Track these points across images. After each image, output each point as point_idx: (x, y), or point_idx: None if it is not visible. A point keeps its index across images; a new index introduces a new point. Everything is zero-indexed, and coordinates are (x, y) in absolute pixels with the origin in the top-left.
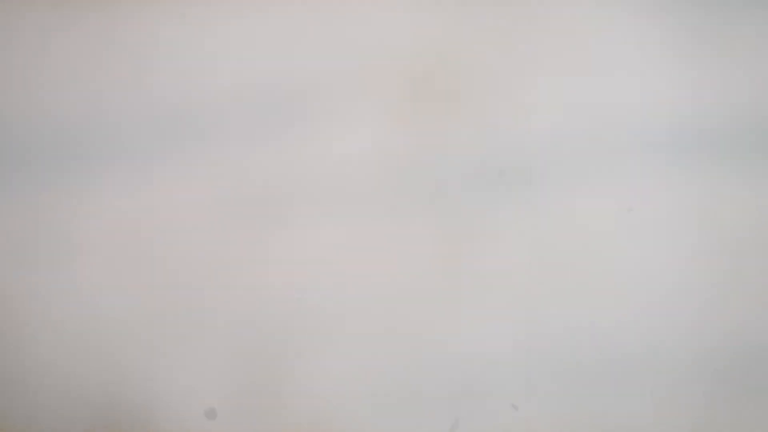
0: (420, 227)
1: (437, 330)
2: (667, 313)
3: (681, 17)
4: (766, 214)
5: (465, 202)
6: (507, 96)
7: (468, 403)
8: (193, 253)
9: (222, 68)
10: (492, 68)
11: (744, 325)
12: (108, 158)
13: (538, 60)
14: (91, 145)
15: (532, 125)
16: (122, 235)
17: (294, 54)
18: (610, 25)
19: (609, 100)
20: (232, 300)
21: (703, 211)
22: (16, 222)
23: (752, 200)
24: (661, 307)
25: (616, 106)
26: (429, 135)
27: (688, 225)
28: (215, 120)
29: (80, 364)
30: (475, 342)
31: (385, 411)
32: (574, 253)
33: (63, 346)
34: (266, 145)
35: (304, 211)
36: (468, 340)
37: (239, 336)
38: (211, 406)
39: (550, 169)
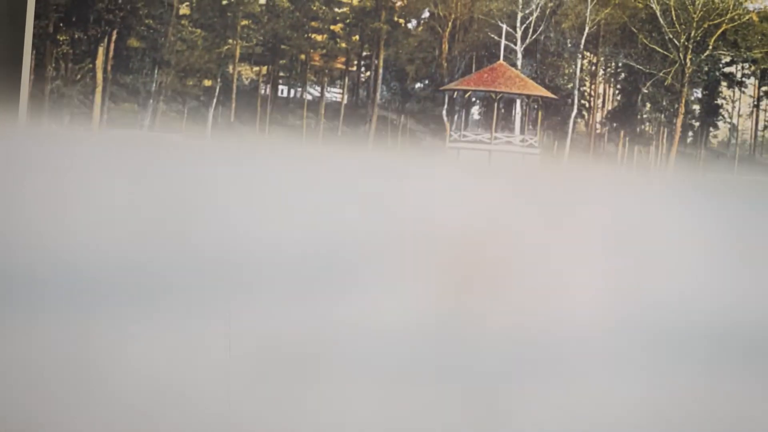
0: (446, 397)
1: None
2: None
3: (721, 222)
4: None
5: (495, 380)
6: (547, 277)
7: None
8: (222, 407)
9: (270, 225)
10: (535, 247)
11: None
12: (146, 302)
13: (577, 242)
14: (126, 290)
15: (567, 308)
16: (152, 381)
17: (345, 215)
18: (655, 220)
19: (645, 288)
20: None
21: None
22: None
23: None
24: None
25: (651, 294)
26: (469, 312)
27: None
28: (258, 276)
29: None
30: None
31: None
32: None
33: None
34: (306, 304)
35: (338, 372)
36: None
37: None
38: None
39: (582, 351)
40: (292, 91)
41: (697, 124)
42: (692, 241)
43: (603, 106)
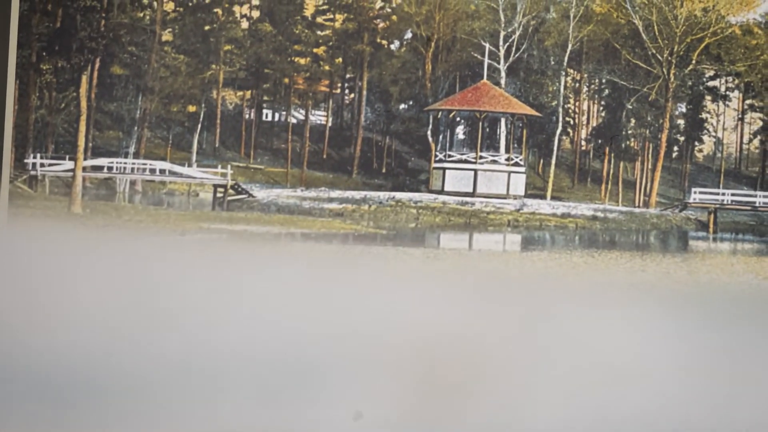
0: None
1: None
2: None
3: (695, 338)
4: None
5: None
6: (514, 391)
7: None
8: None
9: (240, 328)
10: (502, 362)
11: None
12: (117, 401)
13: (548, 359)
14: (98, 388)
15: (534, 424)
16: None
17: (318, 320)
18: (621, 335)
19: (612, 408)
20: None
21: None
22: None
23: None
24: None
25: (619, 413)
26: (438, 420)
27: None
28: (228, 378)
29: None
30: None
31: None
32: None
33: None
34: (276, 406)
35: None
36: None
37: None
38: None
39: None
40: (277, 115)
41: (682, 138)
42: (665, 361)
43: (588, 122)
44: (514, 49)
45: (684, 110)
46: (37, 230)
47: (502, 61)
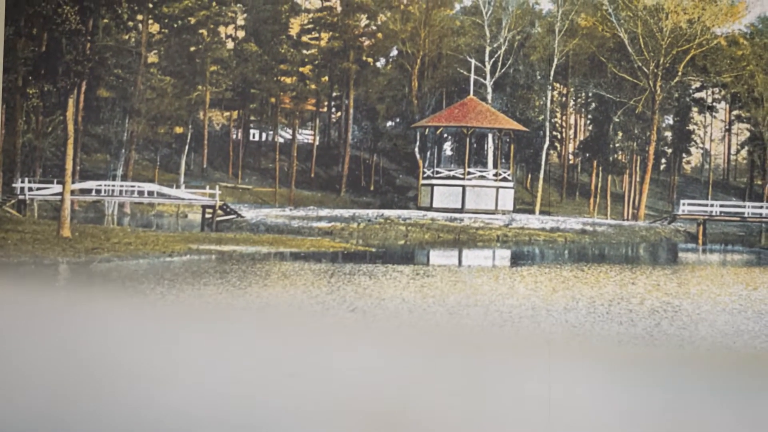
0: None
1: None
2: None
3: (647, 400)
4: None
5: None
6: None
7: None
8: None
9: (182, 391)
10: (452, 424)
11: None
12: None
13: (497, 420)
14: None
15: None
16: None
17: (267, 380)
18: (571, 398)
19: None
20: None
21: None
22: None
23: None
24: None
25: None
26: None
27: None
28: None
29: None
30: None
31: None
32: None
33: None
34: None
35: None
36: None
37: None
38: None
39: None
40: (264, 135)
41: (669, 150)
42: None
43: (575, 136)
44: (500, 64)
45: (671, 122)
46: None
47: (488, 76)
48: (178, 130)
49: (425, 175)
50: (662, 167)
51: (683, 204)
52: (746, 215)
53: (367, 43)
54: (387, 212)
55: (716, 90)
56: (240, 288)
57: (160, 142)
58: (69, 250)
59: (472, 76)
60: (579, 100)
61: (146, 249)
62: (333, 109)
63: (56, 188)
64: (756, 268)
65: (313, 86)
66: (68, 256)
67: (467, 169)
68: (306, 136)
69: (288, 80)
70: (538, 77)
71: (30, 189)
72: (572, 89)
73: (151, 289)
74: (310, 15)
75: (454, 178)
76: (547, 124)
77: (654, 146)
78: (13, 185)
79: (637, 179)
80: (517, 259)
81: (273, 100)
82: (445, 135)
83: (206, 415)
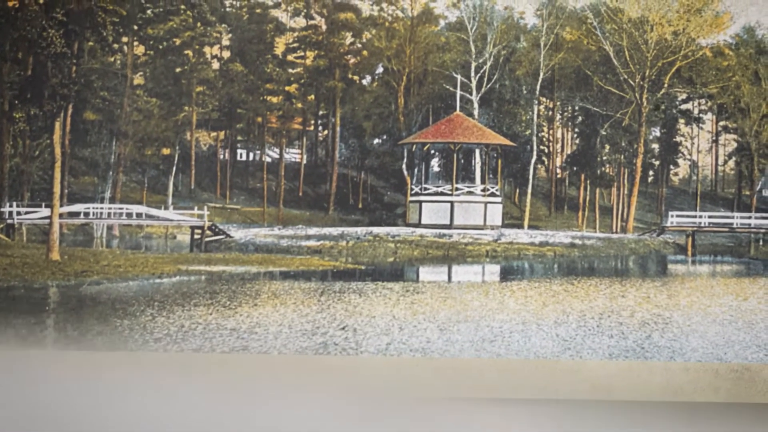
0: None
1: None
2: None
3: None
4: None
5: None
6: None
7: None
8: None
9: None
10: None
11: None
12: None
13: None
14: None
15: None
16: None
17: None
18: None
19: None
20: None
21: None
22: None
23: None
24: None
25: None
26: None
27: None
28: None
29: None
30: None
31: None
32: None
33: None
34: None
35: None
36: None
37: None
38: None
39: None
40: (251, 154)
41: (657, 162)
42: None
43: (562, 150)
44: (486, 79)
45: (658, 134)
46: None
47: (474, 92)
48: (166, 151)
49: (413, 192)
50: (650, 179)
51: (672, 216)
52: (735, 226)
53: (352, 60)
54: (376, 229)
55: (702, 101)
56: (230, 308)
57: (148, 164)
58: (58, 274)
59: (459, 92)
60: (565, 113)
61: (136, 271)
62: (320, 128)
63: (44, 212)
64: (745, 278)
65: (299, 105)
66: (58, 280)
67: (455, 185)
68: (293, 154)
69: (274, 99)
70: (524, 92)
71: (18, 213)
72: (558, 103)
73: (141, 311)
74: (295, 34)
75: (442, 194)
76: (534, 138)
77: (641, 158)
78: (2, 209)
79: (625, 192)
80: (506, 274)
81: (259, 119)
82: (433, 151)
83: None
